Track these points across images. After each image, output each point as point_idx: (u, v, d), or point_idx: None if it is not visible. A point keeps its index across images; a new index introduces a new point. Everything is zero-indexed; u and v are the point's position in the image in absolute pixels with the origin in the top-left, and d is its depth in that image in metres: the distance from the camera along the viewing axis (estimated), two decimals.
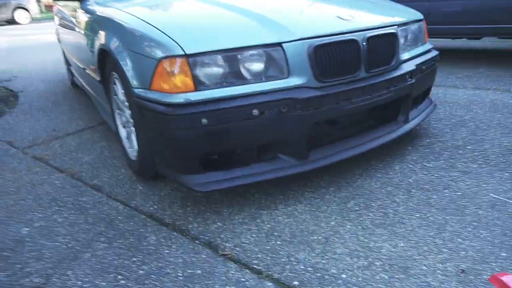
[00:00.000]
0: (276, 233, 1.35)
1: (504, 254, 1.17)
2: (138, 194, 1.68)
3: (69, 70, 3.77)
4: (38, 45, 7.82)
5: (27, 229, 1.49)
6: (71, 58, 3.11)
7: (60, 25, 3.39)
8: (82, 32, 2.28)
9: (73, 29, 2.64)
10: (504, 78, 3.03)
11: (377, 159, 1.81)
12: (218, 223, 1.43)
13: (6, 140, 2.49)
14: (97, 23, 1.97)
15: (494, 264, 1.13)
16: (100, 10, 1.98)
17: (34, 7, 15.24)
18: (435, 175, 1.65)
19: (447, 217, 1.36)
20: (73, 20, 2.59)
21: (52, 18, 4.27)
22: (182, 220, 1.47)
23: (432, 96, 2.72)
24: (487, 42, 4.68)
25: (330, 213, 1.44)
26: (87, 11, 2.16)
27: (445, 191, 1.53)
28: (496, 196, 1.46)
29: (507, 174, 1.61)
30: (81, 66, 2.57)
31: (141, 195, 1.67)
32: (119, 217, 1.52)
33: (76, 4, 2.41)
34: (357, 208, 1.45)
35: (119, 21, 1.68)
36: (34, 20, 15.32)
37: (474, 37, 3.89)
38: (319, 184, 1.63)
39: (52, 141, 2.41)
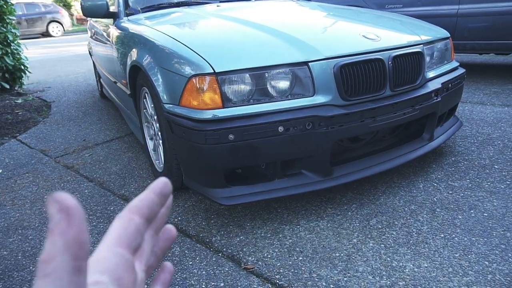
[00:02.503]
0: (298, 249, 1.36)
1: None
2: None
3: (98, 82, 3.94)
4: (70, 57, 8.18)
5: None
6: (102, 71, 3.26)
7: (93, 38, 3.56)
8: (115, 47, 2.40)
9: (105, 44, 2.78)
10: None
11: (401, 177, 1.80)
12: (241, 237, 1.46)
13: (40, 148, 2.62)
14: (129, 39, 2.07)
15: None
16: (132, 28, 2.09)
17: (67, 21, 16.01)
18: (461, 194, 1.62)
19: (473, 239, 1.34)
20: (106, 35, 2.73)
21: (83, 31, 4.47)
22: (206, 232, 1.51)
23: (459, 113, 2.68)
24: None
25: (352, 230, 1.44)
26: (120, 28, 2.27)
27: (471, 211, 1.50)
28: None
29: None
30: (112, 79, 2.69)
31: None
32: None
33: (110, 21, 2.54)
34: (379, 226, 1.45)
35: (150, 39, 1.76)
36: (66, 33, 16.07)
37: (502, 52, 3.82)
38: (342, 201, 1.64)
39: (82, 151, 2.51)
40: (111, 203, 1.80)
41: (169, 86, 1.53)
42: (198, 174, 1.51)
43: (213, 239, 1.46)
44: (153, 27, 1.87)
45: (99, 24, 3.09)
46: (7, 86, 4.48)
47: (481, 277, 1.16)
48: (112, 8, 2.52)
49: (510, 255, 1.24)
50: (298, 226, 1.49)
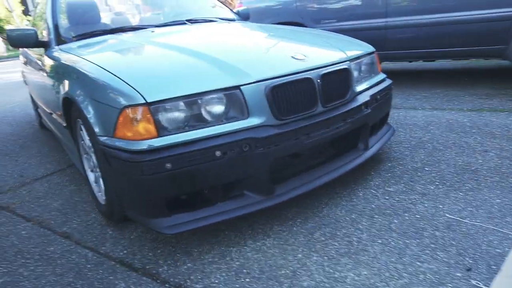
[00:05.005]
0: (245, 270, 1.37)
1: (458, 274, 1.24)
2: (108, 239, 1.68)
3: (36, 111, 3.74)
4: (4, 85, 7.67)
5: None
6: (37, 101, 3.10)
7: (26, 67, 3.39)
8: (47, 77, 2.30)
9: (38, 73, 2.66)
10: (459, 98, 3.24)
11: (343, 186, 1.89)
12: (189, 264, 1.44)
13: None
14: (61, 70, 2.00)
15: (450, 285, 1.20)
16: (64, 58, 2.02)
17: (0, 45, 15.06)
18: (396, 199, 1.73)
19: (407, 241, 1.43)
20: (38, 63, 2.61)
21: (18, 56, 4.24)
22: (153, 263, 1.47)
23: (393, 118, 2.87)
24: (444, 63, 4.98)
25: (297, 245, 1.48)
26: (52, 58, 2.19)
27: (405, 214, 1.61)
28: (452, 216, 1.55)
29: (461, 193, 1.71)
30: (47, 110, 2.57)
31: (111, 239, 1.67)
32: (88, 265, 1.50)
33: (41, 50, 2.43)
34: (323, 239, 1.50)
35: (81, 70, 1.72)
36: (2, 58, 15.09)
37: (428, 59, 4.16)
38: (287, 217, 1.68)
39: (19, 188, 2.36)
40: (51, 243, 1.70)
41: (103, 118, 1.50)
42: (139, 205, 1.48)
43: (160, 269, 1.43)
44: (84, 57, 1.82)
45: (32, 51, 2.95)
46: None
47: (414, 279, 1.24)
48: (43, 36, 2.42)
49: (438, 253, 1.35)
50: (246, 247, 1.50)
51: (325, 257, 1.39)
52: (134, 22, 2.81)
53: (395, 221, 1.57)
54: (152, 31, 2.29)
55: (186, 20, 2.58)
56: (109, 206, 1.69)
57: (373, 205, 1.70)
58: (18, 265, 1.56)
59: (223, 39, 2.16)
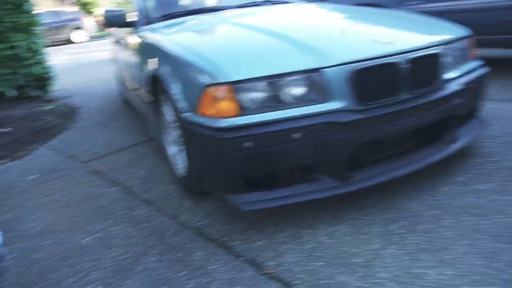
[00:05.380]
0: (317, 254, 1.37)
1: None
2: (187, 209, 1.78)
3: (122, 87, 4.06)
4: (94, 62, 8.44)
5: (89, 238, 1.64)
6: (124, 77, 3.36)
7: (115, 45, 3.68)
8: (135, 55, 2.47)
9: (126, 51, 2.87)
10: None
11: (424, 180, 1.77)
12: (262, 241, 1.48)
13: (68, 154, 2.74)
14: (148, 48, 2.14)
15: None
16: (150, 37, 2.15)
17: (90, 26, 16.51)
18: (487, 199, 1.58)
19: (499, 245, 1.31)
20: (127, 42, 2.82)
21: (108, 35, 4.62)
22: (228, 236, 1.54)
23: (484, 111, 2.59)
24: None
25: (373, 235, 1.43)
26: (139, 37, 2.34)
27: (498, 216, 1.46)
28: None
29: None
30: (133, 86, 2.77)
31: (189, 210, 1.77)
32: (168, 232, 1.62)
33: (130, 29, 2.61)
34: (401, 231, 1.43)
35: (167, 49, 1.81)
36: (92, 38, 16.58)
37: None
38: (363, 205, 1.63)
39: (108, 155, 2.61)
40: (136, 207, 1.86)
41: (186, 95, 1.58)
42: (217, 180, 1.54)
43: (235, 243, 1.49)
44: (169, 37, 1.92)
45: (121, 31, 3.18)
46: (36, 94, 4.69)
47: (510, 286, 1.13)
48: (132, 17, 2.59)
49: None
50: (318, 231, 1.50)
51: (403, 251, 1.33)
52: (215, 3, 2.88)
53: (486, 222, 1.43)
54: (232, 12, 2.32)
55: (265, 1, 2.57)
56: (188, 179, 1.79)
57: (459, 203, 1.57)
58: (110, 223, 1.74)
59: (303, 20, 2.12)
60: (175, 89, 1.66)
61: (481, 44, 3.54)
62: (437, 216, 1.50)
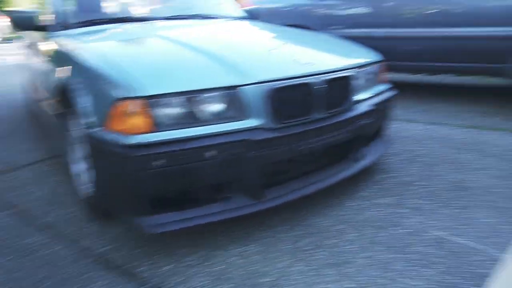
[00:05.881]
0: (226, 276, 1.34)
1: None
2: (89, 233, 1.64)
3: (28, 96, 3.67)
4: (4, 67, 7.58)
5: None
6: (32, 85, 3.05)
7: (27, 49, 3.33)
8: (45, 62, 2.26)
9: (37, 57, 2.61)
10: (458, 113, 3.23)
11: (332, 196, 1.86)
12: (171, 265, 1.41)
13: None
14: (59, 56, 1.97)
15: None
16: (63, 43, 1.98)
17: (3, 26, 14.93)
18: (385, 212, 1.71)
19: (393, 256, 1.41)
20: (38, 47, 2.56)
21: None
22: (133, 262, 1.44)
23: (390, 130, 2.85)
24: (446, 78, 4.98)
25: (282, 253, 1.45)
26: (52, 42, 2.14)
27: (394, 228, 1.58)
28: (439, 233, 1.53)
29: (450, 210, 1.70)
30: (41, 96, 2.52)
31: (92, 234, 1.63)
32: (65, 261, 1.46)
33: (43, 33, 2.37)
34: (308, 248, 1.48)
35: (79, 57, 1.68)
36: (6, 40, 14.95)
37: (433, 73, 4.16)
38: (274, 223, 1.65)
39: (4, 173, 2.31)
40: (30, 234, 1.65)
41: (96, 108, 1.47)
42: (125, 201, 1.44)
43: (140, 269, 1.39)
44: (84, 45, 1.79)
45: (35, 34, 2.89)
46: None
47: None
48: (48, 20, 2.36)
49: (425, 270, 1.32)
50: (229, 251, 1.47)
51: (309, 267, 1.36)
52: (142, 13, 2.77)
53: (383, 234, 1.54)
54: (156, 24, 2.25)
55: (194, 15, 2.54)
56: (93, 200, 1.65)
57: (361, 217, 1.68)
58: None
59: (229, 37, 2.13)
60: (84, 101, 1.54)
61: (391, 69, 3.93)
62: (342, 231, 1.58)
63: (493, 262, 1.34)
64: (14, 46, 12.46)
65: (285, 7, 4.36)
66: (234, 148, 1.41)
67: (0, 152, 2.71)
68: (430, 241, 1.48)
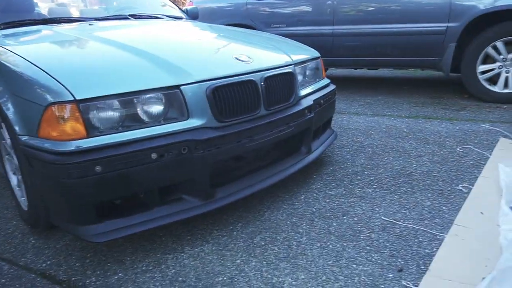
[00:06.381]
0: (180, 278, 1.31)
1: (390, 275, 1.27)
2: (30, 249, 1.52)
3: None
4: None
5: None
6: None
7: None
8: None
9: None
10: (398, 105, 3.43)
11: (285, 190, 1.89)
12: (120, 274, 1.35)
13: None
14: None
15: (382, 286, 1.23)
16: None
17: None
18: (336, 202, 1.77)
19: (344, 244, 1.46)
20: None
21: None
22: (80, 274, 1.35)
23: (337, 123, 2.95)
24: (386, 71, 5.26)
25: (236, 250, 1.44)
26: None
27: (344, 217, 1.64)
28: (386, 219, 1.61)
29: (396, 196, 1.79)
30: None
31: (33, 250, 1.51)
32: (3, 280, 1.34)
33: None
34: (263, 243, 1.48)
35: (3, 62, 1.55)
36: None
37: (371, 67, 4.38)
38: (227, 221, 1.64)
39: None
40: None
41: (25, 116, 1.36)
42: (65, 211, 1.35)
43: (88, 281, 1.32)
44: (8, 48, 1.65)
45: None
46: None
47: (349, 281, 1.26)
48: None
49: (373, 255, 1.38)
50: (183, 254, 1.44)
51: (264, 262, 1.37)
52: (75, 13, 2.62)
53: (334, 224, 1.59)
54: (91, 24, 2.14)
55: (130, 15, 2.45)
56: (32, 212, 1.53)
57: (313, 209, 1.72)
58: None
59: (167, 37, 2.08)
60: (10, 109, 1.42)
61: (334, 64, 4.08)
62: (295, 224, 1.60)
63: (438, 242, 1.43)
64: None
65: (226, 7, 4.36)
66: (178, 149, 1.37)
67: None
68: (378, 227, 1.55)
